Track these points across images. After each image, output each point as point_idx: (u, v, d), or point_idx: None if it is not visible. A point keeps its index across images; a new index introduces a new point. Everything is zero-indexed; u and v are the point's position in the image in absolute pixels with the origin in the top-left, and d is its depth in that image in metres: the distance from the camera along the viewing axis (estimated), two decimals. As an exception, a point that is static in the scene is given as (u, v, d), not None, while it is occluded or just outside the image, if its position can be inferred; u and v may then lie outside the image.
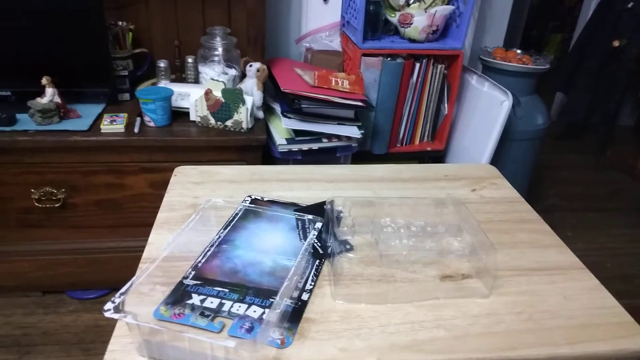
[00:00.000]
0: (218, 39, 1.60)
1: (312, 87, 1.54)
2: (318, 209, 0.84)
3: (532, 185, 2.25)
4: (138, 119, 1.49)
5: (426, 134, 1.90)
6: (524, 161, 2.06)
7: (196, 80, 1.68)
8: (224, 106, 1.46)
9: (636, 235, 2.34)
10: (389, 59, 1.68)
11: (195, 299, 0.65)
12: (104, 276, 1.65)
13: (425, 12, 1.66)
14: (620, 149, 3.14)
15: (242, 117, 1.46)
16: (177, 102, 1.53)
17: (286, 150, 1.52)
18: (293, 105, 1.48)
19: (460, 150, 1.91)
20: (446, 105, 1.85)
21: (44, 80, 1.41)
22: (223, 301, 0.64)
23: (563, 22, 4.23)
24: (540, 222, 0.89)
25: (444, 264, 0.75)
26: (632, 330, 0.66)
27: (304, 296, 0.67)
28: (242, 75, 1.61)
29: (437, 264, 0.75)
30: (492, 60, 1.98)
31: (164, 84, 1.59)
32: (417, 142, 1.91)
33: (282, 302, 0.60)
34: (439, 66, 1.74)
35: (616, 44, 2.76)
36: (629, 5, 2.68)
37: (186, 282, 0.68)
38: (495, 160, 1.73)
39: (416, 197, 0.92)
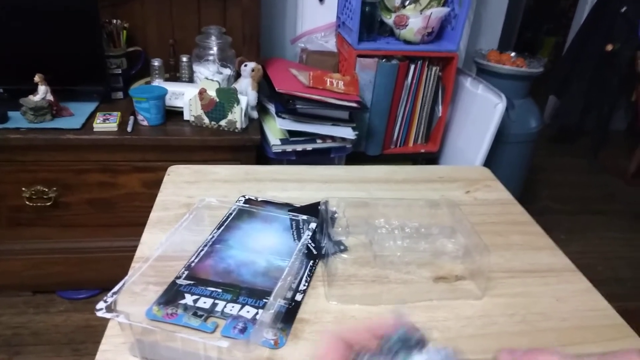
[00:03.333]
0: (213, 38, 1.60)
1: (306, 87, 1.54)
2: (312, 210, 0.84)
3: (525, 187, 2.26)
4: (131, 118, 1.48)
5: (420, 135, 1.90)
6: (517, 164, 2.07)
7: (190, 80, 1.68)
8: (218, 106, 1.45)
9: (628, 238, 2.36)
10: (384, 60, 1.69)
11: (188, 299, 0.64)
12: (95, 276, 1.64)
13: (421, 13, 1.66)
14: (613, 152, 3.17)
15: (236, 117, 1.46)
16: (171, 101, 1.53)
17: (280, 150, 1.51)
18: (288, 105, 1.48)
19: (454, 152, 1.91)
20: (440, 107, 1.85)
21: (37, 78, 1.40)
22: (216, 301, 0.64)
23: (557, 25, 4.25)
24: (533, 225, 0.89)
25: (437, 266, 0.75)
26: (624, 333, 0.66)
27: (298, 297, 0.67)
28: (237, 75, 1.61)
29: (430, 265, 0.75)
30: (486, 62, 1.99)
31: (158, 82, 1.59)
32: (411, 143, 1.91)
33: (275, 302, 0.60)
34: (434, 68, 1.75)
35: (609, 48, 2.78)
36: (623, 10, 2.71)
37: (179, 282, 0.68)
38: (489, 163, 1.73)
39: (410, 199, 0.92)
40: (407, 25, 1.67)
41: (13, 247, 1.56)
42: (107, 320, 0.57)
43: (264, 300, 0.65)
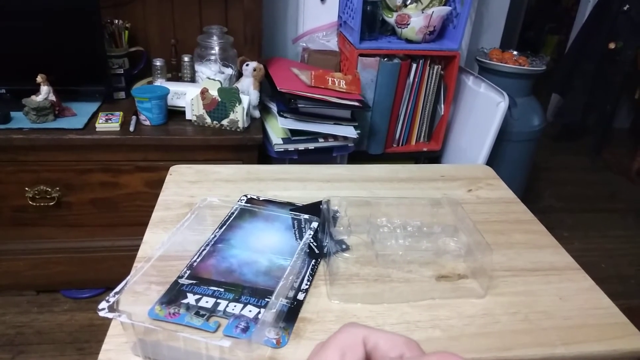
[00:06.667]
0: (215, 37, 1.60)
1: (308, 86, 1.53)
2: (314, 209, 0.84)
3: (528, 186, 2.25)
4: (133, 118, 1.48)
5: (422, 134, 1.90)
6: (520, 162, 2.07)
7: (192, 79, 1.68)
8: (220, 105, 1.45)
9: (632, 236, 2.35)
10: (385, 59, 1.68)
11: (191, 299, 0.64)
12: (98, 275, 1.64)
13: (423, 12, 1.66)
14: (616, 151, 3.16)
15: (238, 116, 1.46)
16: (173, 100, 1.53)
17: (282, 149, 1.51)
18: (290, 104, 1.48)
19: (457, 150, 1.91)
20: (442, 106, 1.85)
21: (39, 78, 1.40)
22: (218, 301, 0.64)
23: (560, 24, 4.24)
24: (535, 223, 0.89)
25: (439, 264, 0.75)
26: (627, 331, 0.66)
27: (300, 296, 0.67)
28: (239, 75, 1.61)
29: (433, 264, 0.75)
30: (488, 61, 1.98)
31: (160, 82, 1.59)
32: (413, 142, 1.91)
33: (277, 301, 0.60)
34: (436, 67, 1.74)
35: (612, 46, 2.77)
36: (625, 8, 2.70)
37: (181, 281, 0.68)
38: (492, 161, 1.73)
39: (412, 197, 0.92)
40: (408, 24, 1.67)
41: (16, 247, 1.57)
42: (110, 319, 0.57)
43: (266, 299, 0.65)
